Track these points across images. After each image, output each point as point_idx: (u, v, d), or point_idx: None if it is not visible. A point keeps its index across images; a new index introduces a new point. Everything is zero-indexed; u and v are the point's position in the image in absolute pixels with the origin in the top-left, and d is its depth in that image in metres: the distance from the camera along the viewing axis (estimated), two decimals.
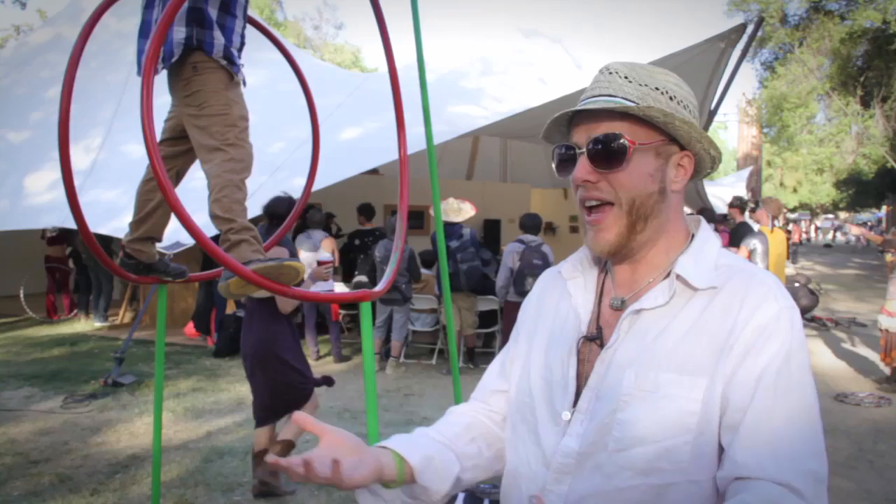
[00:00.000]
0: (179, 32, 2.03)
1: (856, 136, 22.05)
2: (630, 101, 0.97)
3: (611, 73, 1.00)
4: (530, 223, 6.36)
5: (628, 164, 0.96)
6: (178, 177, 2.38)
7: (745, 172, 21.08)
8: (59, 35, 9.75)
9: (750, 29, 7.75)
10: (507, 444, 1.11)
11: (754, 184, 22.69)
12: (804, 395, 0.90)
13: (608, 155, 0.96)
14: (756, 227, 7.09)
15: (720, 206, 12.29)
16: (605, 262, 1.09)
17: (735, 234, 7.40)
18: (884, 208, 34.91)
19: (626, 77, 0.99)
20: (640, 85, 0.98)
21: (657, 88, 0.98)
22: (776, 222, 6.66)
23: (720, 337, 0.91)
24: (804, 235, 34.64)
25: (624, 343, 0.97)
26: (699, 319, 0.94)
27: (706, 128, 8.69)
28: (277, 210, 3.83)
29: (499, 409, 1.20)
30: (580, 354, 1.02)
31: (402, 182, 2.34)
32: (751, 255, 6.34)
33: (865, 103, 20.39)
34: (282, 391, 3.56)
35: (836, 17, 18.77)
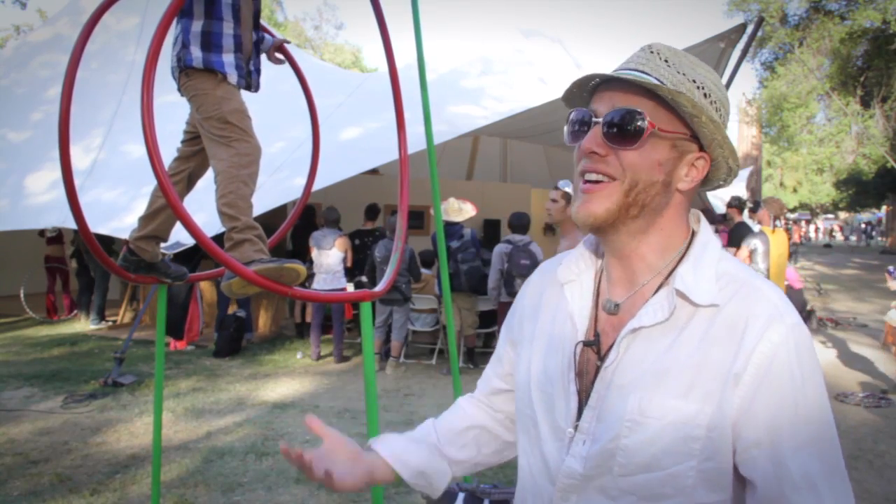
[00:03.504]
0: (171, 59, 2.22)
1: (856, 136, 22.06)
2: (663, 83, 0.91)
3: (652, 51, 0.95)
4: (517, 223, 6.42)
5: (642, 145, 0.91)
6: (190, 178, 2.43)
7: (745, 172, 21.09)
8: (59, 34, 9.74)
9: (750, 29, 7.74)
10: (518, 452, 1.11)
11: (754, 184, 22.69)
12: (823, 422, 0.88)
13: (624, 131, 0.91)
14: (756, 227, 7.08)
15: (720, 206, 12.30)
16: (601, 263, 1.06)
17: (734, 235, 7.39)
18: (884, 208, 34.90)
19: (666, 60, 0.94)
20: (678, 73, 0.93)
21: (694, 81, 0.93)
22: (777, 222, 6.65)
23: (726, 361, 0.87)
24: (804, 236, 34.62)
25: (623, 362, 0.94)
26: (703, 341, 0.90)
27: None
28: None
29: (502, 408, 1.22)
30: (578, 365, 1.00)
31: (402, 182, 2.34)
32: (752, 255, 6.33)
33: (865, 103, 20.40)
34: None
35: (836, 17, 18.77)
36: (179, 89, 2.27)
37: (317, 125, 2.79)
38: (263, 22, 2.52)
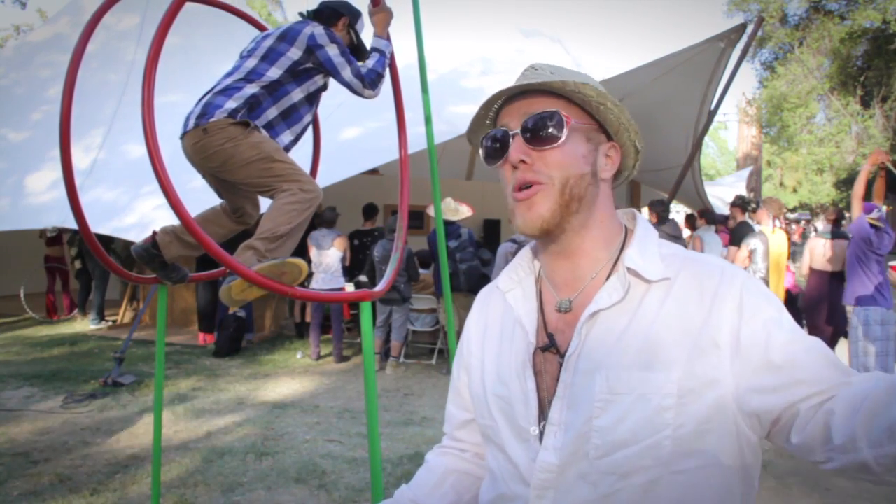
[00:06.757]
0: (231, 103, 2.07)
1: (856, 136, 22.03)
2: (566, 81, 0.97)
3: (536, 69, 1.01)
4: None
5: (565, 142, 0.95)
6: (240, 213, 2.40)
7: (745, 172, 21.06)
8: (59, 34, 9.74)
9: (750, 29, 7.75)
10: (488, 462, 1.10)
11: (754, 184, 22.65)
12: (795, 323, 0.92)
13: (545, 132, 0.95)
14: (757, 227, 7.08)
15: (720, 206, 12.28)
16: (539, 269, 1.07)
17: (735, 234, 7.39)
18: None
19: (551, 73, 0.99)
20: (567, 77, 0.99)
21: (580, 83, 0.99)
22: (777, 222, 6.65)
23: (691, 328, 0.90)
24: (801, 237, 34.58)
25: (586, 347, 0.95)
26: (660, 312, 0.93)
27: (706, 128, 8.69)
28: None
29: (470, 441, 1.20)
30: (535, 366, 1.00)
31: (402, 182, 2.34)
32: (751, 255, 6.32)
33: (865, 103, 20.39)
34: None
35: (836, 17, 18.78)
36: (183, 141, 2.13)
37: (317, 125, 2.79)
38: (263, 22, 2.51)
